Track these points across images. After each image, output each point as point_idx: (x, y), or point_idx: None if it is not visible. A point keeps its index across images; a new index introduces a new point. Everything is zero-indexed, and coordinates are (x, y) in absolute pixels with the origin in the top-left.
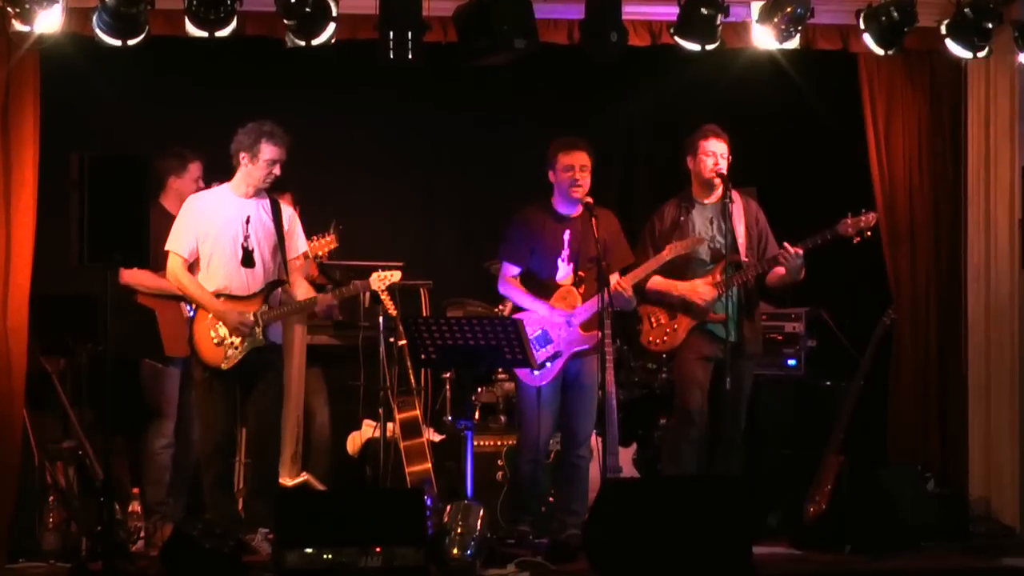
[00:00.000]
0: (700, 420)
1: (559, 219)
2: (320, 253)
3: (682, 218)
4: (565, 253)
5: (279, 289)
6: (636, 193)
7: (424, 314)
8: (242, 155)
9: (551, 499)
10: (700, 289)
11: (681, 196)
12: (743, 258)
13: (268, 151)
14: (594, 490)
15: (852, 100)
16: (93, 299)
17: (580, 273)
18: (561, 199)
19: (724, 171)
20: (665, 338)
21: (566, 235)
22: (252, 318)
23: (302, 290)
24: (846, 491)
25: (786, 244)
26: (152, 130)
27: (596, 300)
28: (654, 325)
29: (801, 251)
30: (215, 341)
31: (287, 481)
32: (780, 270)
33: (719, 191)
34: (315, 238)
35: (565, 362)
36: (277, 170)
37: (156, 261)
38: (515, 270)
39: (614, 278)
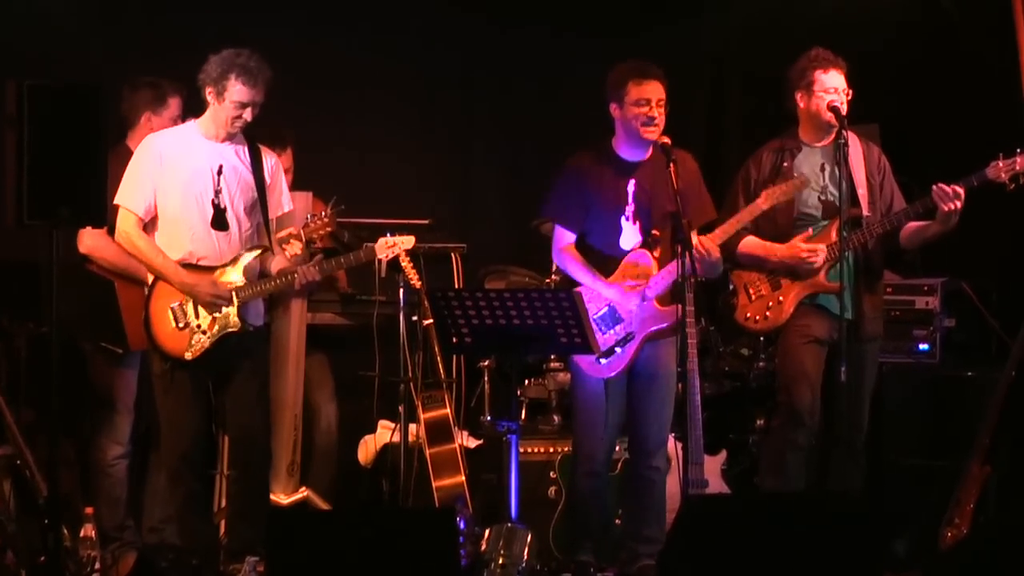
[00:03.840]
0: (811, 420)
1: (621, 167)
2: (314, 238)
3: (784, 164)
4: (629, 210)
5: (259, 258)
6: (722, 138)
7: (456, 285)
8: (208, 89)
9: (618, 521)
10: (803, 247)
11: (785, 136)
12: (864, 212)
13: (237, 91)
14: (673, 509)
15: (1001, 12)
16: (35, 267)
17: (654, 233)
18: (627, 141)
19: (844, 108)
20: (768, 313)
21: (630, 187)
22: (229, 291)
23: (276, 260)
24: (993, 511)
25: (938, 184)
26: (108, 53)
27: (676, 264)
28: (753, 298)
29: (963, 188)
30: (178, 324)
31: (281, 498)
32: (913, 224)
33: (834, 133)
34: (310, 220)
35: (640, 344)
36: (248, 115)
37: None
38: (570, 236)
39: (694, 237)
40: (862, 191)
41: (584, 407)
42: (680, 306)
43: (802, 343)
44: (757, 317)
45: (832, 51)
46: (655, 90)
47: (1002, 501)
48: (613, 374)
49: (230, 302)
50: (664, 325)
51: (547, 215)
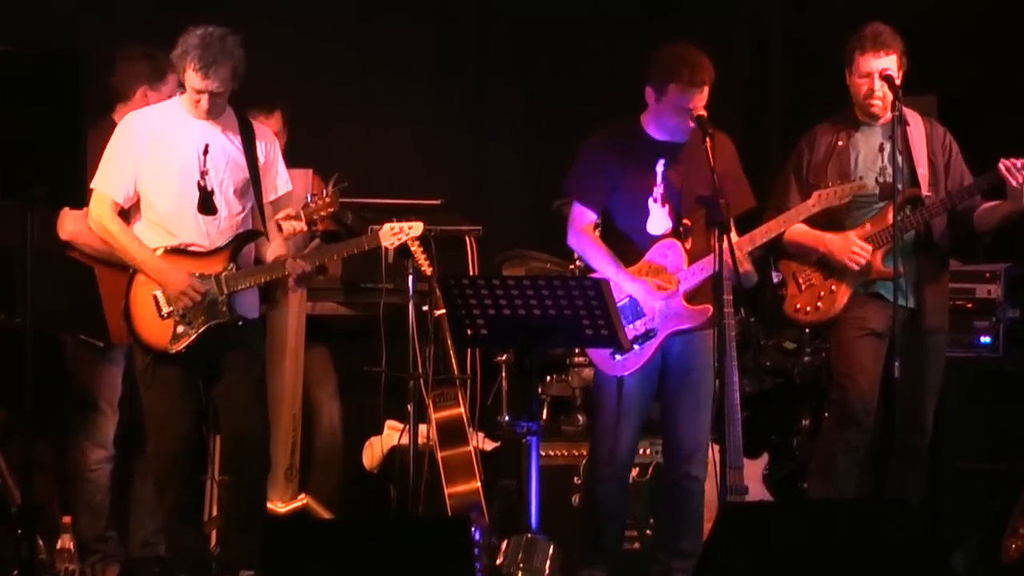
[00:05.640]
0: (865, 420)
1: (651, 146)
2: (315, 219)
3: (839, 143)
4: (659, 192)
5: (252, 244)
6: (764, 117)
7: (471, 272)
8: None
9: (648, 532)
10: (854, 248)
11: (840, 116)
12: (924, 192)
13: (189, 76)
14: (710, 519)
15: None
16: (7, 252)
17: (685, 222)
18: (658, 124)
19: (885, 95)
20: (819, 304)
21: (659, 167)
22: (204, 283)
23: (272, 246)
24: None
25: (1007, 161)
26: (87, 17)
27: (709, 261)
28: (803, 287)
29: (1017, 163)
30: (161, 312)
31: (279, 506)
32: (988, 204)
33: (888, 112)
34: (310, 200)
35: (661, 343)
36: (206, 103)
37: None
38: (591, 215)
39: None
40: (922, 170)
41: (604, 405)
42: (711, 306)
43: (858, 336)
44: (808, 308)
45: (888, 25)
46: (701, 99)
47: None
48: (626, 373)
49: (203, 297)
50: (689, 325)
51: (567, 192)
